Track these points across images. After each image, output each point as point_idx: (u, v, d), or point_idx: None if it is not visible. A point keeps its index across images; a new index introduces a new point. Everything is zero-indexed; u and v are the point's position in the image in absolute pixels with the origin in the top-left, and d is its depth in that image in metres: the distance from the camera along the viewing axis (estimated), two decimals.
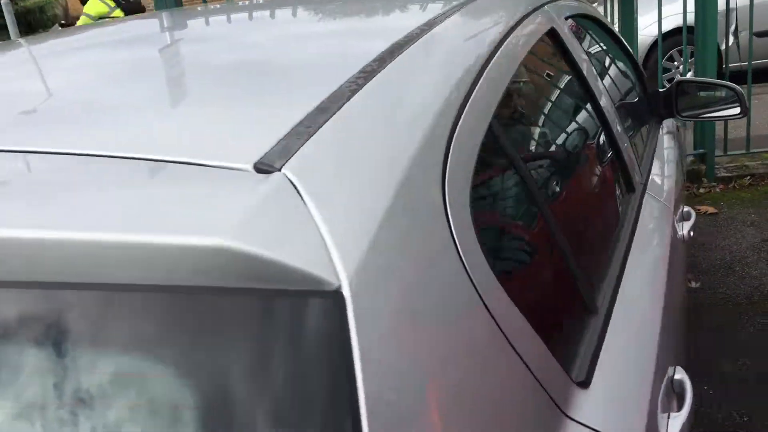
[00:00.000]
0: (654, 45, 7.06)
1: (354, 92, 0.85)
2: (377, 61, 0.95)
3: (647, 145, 2.16)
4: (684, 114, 2.51)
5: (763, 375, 2.78)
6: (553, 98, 1.50)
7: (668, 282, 1.46)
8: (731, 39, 7.51)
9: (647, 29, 6.76)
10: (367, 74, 0.90)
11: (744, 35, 7.02)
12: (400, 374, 0.62)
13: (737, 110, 2.42)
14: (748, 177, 4.83)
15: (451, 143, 0.85)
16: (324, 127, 0.76)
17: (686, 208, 2.02)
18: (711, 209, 4.48)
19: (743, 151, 4.96)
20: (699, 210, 4.51)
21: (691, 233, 1.90)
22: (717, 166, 4.95)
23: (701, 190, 4.80)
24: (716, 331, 3.14)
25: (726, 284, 3.54)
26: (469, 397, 0.73)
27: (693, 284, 3.57)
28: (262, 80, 0.95)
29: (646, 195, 1.73)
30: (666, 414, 1.11)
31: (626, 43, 2.48)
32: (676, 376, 1.22)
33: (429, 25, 1.14)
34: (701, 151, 4.91)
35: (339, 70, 0.92)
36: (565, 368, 0.93)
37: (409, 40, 1.06)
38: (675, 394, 1.19)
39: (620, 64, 2.38)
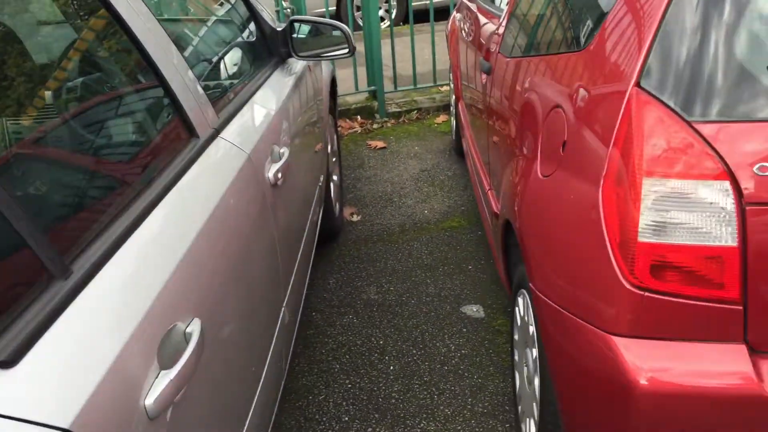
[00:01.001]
0: None
1: None
2: None
3: (248, 88, 2.12)
4: (302, 54, 2.52)
5: (402, 298, 2.99)
6: (46, 46, 1.35)
7: (214, 231, 1.42)
8: None
9: None
10: None
11: None
12: None
13: (346, 50, 2.49)
14: (416, 111, 5.16)
15: None
16: None
17: (282, 149, 2.02)
18: (381, 144, 4.72)
19: (413, 87, 5.28)
20: (370, 145, 4.73)
21: (279, 175, 1.90)
22: (389, 102, 5.22)
23: (374, 126, 5.04)
24: (368, 261, 3.32)
25: (383, 215, 3.76)
26: None
27: (354, 218, 3.74)
28: None
29: (217, 140, 1.68)
30: (156, 373, 1.07)
31: None
32: (188, 330, 1.18)
33: None
34: (372, 88, 5.12)
35: None
36: None
37: None
38: (188, 345, 1.16)
39: (217, 6, 2.30)
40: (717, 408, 1.40)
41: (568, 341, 1.61)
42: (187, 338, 1.17)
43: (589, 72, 1.65)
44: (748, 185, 1.34)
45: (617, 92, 1.48)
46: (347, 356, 2.66)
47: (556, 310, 1.62)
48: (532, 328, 1.87)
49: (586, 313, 1.53)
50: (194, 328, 1.19)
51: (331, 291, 3.11)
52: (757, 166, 1.33)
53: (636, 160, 1.41)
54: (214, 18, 2.33)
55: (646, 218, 1.40)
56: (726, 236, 1.36)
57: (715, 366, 1.41)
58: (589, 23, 1.72)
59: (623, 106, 1.46)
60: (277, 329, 1.84)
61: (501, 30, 2.46)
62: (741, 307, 1.37)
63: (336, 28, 2.49)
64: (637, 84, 1.45)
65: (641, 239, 1.40)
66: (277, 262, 1.88)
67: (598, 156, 1.50)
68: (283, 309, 1.93)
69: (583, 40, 1.73)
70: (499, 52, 2.41)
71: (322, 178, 2.91)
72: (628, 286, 1.43)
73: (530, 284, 1.76)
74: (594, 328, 1.50)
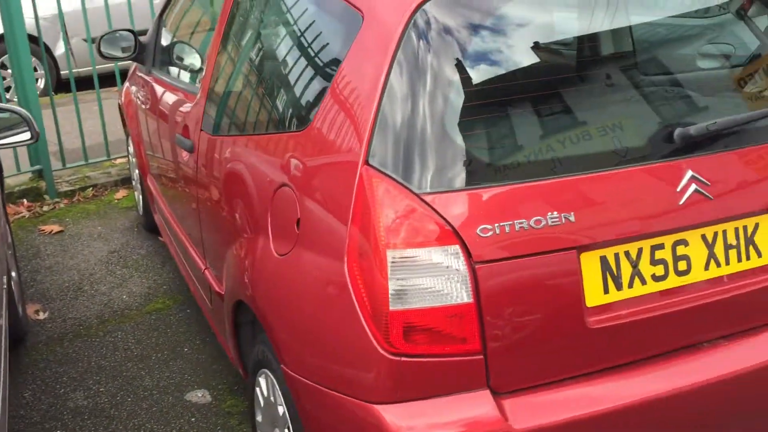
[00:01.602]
0: None
1: None
2: None
3: None
4: None
5: (116, 398, 2.72)
6: None
7: None
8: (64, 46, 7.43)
9: None
10: None
11: (75, 41, 7.00)
12: None
13: (28, 135, 2.23)
14: (91, 188, 4.78)
15: None
16: None
17: None
18: (57, 228, 4.27)
19: (83, 162, 4.90)
20: (44, 230, 4.25)
21: None
22: (59, 181, 4.76)
23: (45, 209, 4.55)
24: (68, 362, 2.95)
25: (76, 307, 3.39)
26: None
27: (41, 315, 3.32)
28: None
29: None
30: None
31: None
32: None
33: None
34: (38, 167, 4.64)
35: None
36: None
37: None
38: None
39: None
40: None
41: (330, 417, 1.61)
42: None
43: (316, 151, 1.70)
44: (474, 246, 1.49)
45: (348, 171, 1.55)
46: None
47: (315, 388, 1.62)
48: (282, 408, 1.84)
49: (346, 386, 1.55)
50: None
51: (28, 406, 2.69)
52: (479, 228, 1.50)
53: (375, 233, 1.49)
54: None
55: (392, 287, 1.48)
56: (462, 294, 1.49)
57: (466, 413, 1.53)
58: (310, 103, 1.78)
59: (356, 183, 1.53)
60: None
61: (199, 107, 2.42)
62: (482, 357, 1.52)
63: (11, 111, 2.21)
64: (366, 162, 1.53)
65: (392, 308, 1.47)
66: None
67: (338, 232, 1.55)
68: None
69: (305, 120, 1.78)
70: (201, 130, 2.36)
71: (5, 279, 2.53)
72: (384, 353, 1.49)
73: (282, 365, 1.73)
74: (356, 400, 1.53)
